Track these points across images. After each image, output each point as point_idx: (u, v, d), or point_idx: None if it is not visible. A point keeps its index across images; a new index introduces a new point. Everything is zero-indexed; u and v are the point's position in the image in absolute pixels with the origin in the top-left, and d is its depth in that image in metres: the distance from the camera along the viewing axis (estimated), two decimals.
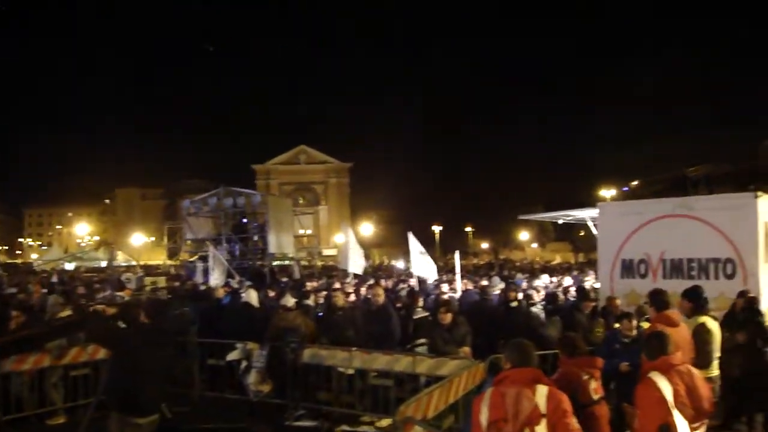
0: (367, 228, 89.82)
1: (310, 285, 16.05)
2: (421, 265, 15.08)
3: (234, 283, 17.59)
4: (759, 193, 9.39)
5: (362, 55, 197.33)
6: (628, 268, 10.28)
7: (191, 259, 30.81)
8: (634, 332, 7.65)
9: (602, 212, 11.11)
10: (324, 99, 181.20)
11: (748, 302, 8.48)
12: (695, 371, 4.81)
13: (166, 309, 8.14)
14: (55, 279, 19.31)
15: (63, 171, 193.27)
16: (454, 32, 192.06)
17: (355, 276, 17.81)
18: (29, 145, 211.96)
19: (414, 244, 15.30)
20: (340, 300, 10.54)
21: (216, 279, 18.55)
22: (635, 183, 78.89)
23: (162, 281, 7.82)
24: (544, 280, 16.07)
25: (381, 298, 10.27)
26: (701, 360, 6.97)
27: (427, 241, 78.17)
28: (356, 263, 17.22)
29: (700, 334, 7.00)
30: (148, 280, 8.05)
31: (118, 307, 8.21)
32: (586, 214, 14.26)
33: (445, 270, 30.13)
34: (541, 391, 4.13)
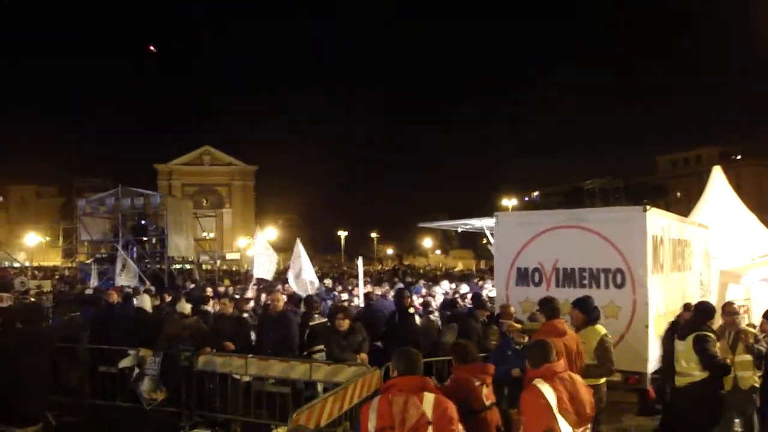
0: (272, 232, 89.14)
1: (210, 290, 15.73)
2: (307, 271, 15.04)
3: (134, 286, 17.16)
4: (648, 207, 9.81)
5: (270, 54, 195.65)
6: (523, 277, 10.51)
7: (87, 261, 29.79)
8: (526, 339, 7.84)
9: (499, 222, 11.32)
10: (229, 98, 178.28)
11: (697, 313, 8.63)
12: (577, 378, 4.99)
13: (43, 314, 7.83)
14: None
15: None
16: (364, 32, 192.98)
17: (259, 281, 17.50)
18: None
19: (301, 250, 15.26)
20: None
21: (126, 281, 18.01)
22: (536, 193, 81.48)
23: (47, 285, 7.43)
24: (443, 287, 16.25)
25: (280, 304, 10.21)
26: (604, 369, 7.26)
27: (332, 246, 78.06)
28: (265, 268, 16.89)
29: (604, 344, 7.30)
30: (32, 283, 7.65)
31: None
32: (484, 223, 14.57)
33: (348, 275, 30.23)
34: (428, 399, 4.21)
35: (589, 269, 9.97)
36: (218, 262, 42.91)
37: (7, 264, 58.90)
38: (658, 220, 10.12)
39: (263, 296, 14.37)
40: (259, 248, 16.89)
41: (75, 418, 9.22)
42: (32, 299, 6.30)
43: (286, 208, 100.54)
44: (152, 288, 17.27)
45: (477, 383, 5.54)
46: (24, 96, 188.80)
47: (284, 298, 10.81)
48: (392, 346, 8.26)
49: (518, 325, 8.19)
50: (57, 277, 33.08)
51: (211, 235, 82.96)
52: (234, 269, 52.56)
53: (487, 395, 5.61)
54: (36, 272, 42.77)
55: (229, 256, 74.98)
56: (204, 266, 34.79)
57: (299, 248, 15.25)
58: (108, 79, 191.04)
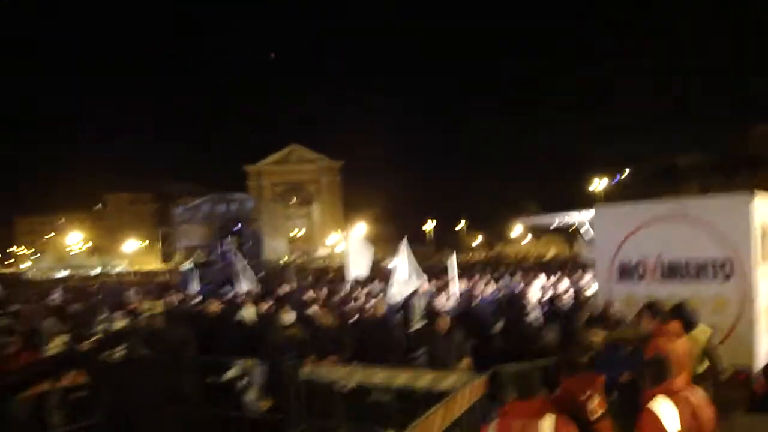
0: (362, 227, 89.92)
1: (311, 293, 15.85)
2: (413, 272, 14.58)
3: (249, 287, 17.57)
4: (756, 192, 9.38)
5: (353, 51, 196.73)
6: (626, 271, 10.23)
7: (185, 266, 30.82)
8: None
9: (598, 215, 11.04)
10: (314, 97, 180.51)
11: None
12: (699, 393, 4.78)
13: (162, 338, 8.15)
14: (56, 296, 19.11)
15: (53, 178, 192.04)
16: (444, 27, 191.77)
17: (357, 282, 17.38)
18: (17, 153, 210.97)
19: (405, 251, 14.75)
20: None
21: (247, 286, 18.63)
22: (626, 173, 79.13)
23: (159, 306, 7.76)
24: (538, 285, 15.64)
25: (382, 309, 10.27)
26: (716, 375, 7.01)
27: (420, 237, 77.91)
28: (360, 266, 16.68)
29: (713, 350, 7.07)
30: (145, 305, 8.00)
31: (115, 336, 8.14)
32: (583, 217, 14.20)
33: (438, 268, 30.09)
34: (548, 422, 4.12)
35: (695, 261, 9.62)
36: (311, 258, 43.58)
37: (109, 269, 61.70)
38: (766, 206, 9.64)
39: (361, 297, 14.28)
40: (352, 247, 16.83)
41: (185, 428, 9.50)
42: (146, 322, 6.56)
43: (372, 202, 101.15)
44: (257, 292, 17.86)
45: (586, 395, 5.42)
46: (114, 106, 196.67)
47: (384, 303, 10.81)
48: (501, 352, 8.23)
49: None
50: (155, 280, 34.28)
51: (302, 232, 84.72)
52: (326, 265, 53.30)
53: (598, 405, 5.48)
54: (136, 276, 44.52)
55: (320, 251, 76.17)
56: (296, 261, 35.44)
57: (405, 248, 14.71)
58: (192, 85, 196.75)
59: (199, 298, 16.80)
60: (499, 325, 11.02)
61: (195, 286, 20.86)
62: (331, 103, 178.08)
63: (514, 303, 10.99)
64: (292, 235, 36.05)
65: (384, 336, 9.72)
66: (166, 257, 53.89)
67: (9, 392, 5.88)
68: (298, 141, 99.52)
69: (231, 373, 9.95)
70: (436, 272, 24.39)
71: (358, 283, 17.96)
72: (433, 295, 13.82)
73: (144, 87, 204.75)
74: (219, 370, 10.22)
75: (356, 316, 11.31)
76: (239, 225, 27.29)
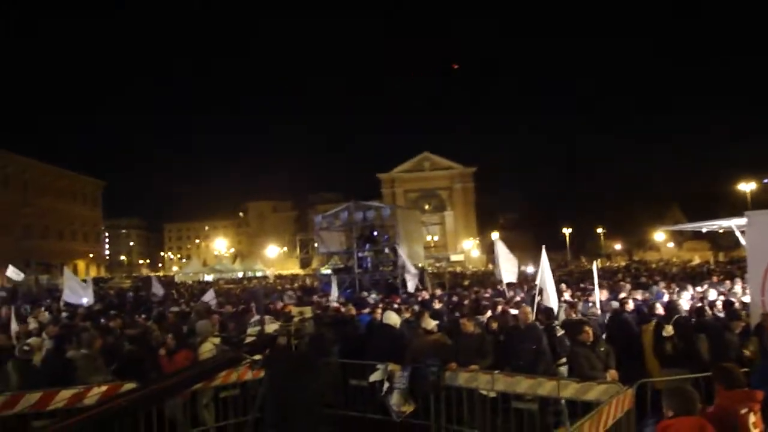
0: (495, 234, 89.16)
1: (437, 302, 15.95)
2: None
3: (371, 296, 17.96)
4: None
5: (481, 57, 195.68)
6: None
7: (323, 272, 31.74)
8: None
9: (751, 222, 10.53)
10: (444, 102, 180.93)
11: None
12: None
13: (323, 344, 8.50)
14: (208, 298, 20.16)
15: (199, 188, 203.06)
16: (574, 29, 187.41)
17: (508, 285, 17.24)
18: (166, 164, 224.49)
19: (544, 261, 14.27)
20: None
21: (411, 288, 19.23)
22: None
23: (308, 311, 8.04)
24: (687, 296, 14.89)
25: (530, 317, 10.22)
26: None
27: (557, 244, 76.28)
28: (509, 271, 16.61)
29: None
30: (295, 310, 8.29)
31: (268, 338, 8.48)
32: (733, 223, 13.50)
33: (576, 275, 29.41)
34: None
35: None
36: (444, 264, 43.66)
37: (250, 273, 64.19)
38: None
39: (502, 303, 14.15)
40: (501, 252, 16.67)
41: (330, 429, 9.80)
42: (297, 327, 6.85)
43: (506, 208, 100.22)
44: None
45: (743, 411, 5.23)
46: (254, 121, 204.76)
47: (530, 310, 10.69)
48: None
49: None
50: (297, 285, 35.38)
51: (435, 238, 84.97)
52: (459, 270, 53.20)
53: (755, 423, 5.28)
54: (278, 280, 46.08)
55: (453, 257, 76.16)
56: (429, 269, 35.60)
57: (545, 257, 14.28)
58: (330, 97, 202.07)
59: (339, 302, 17.33)
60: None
61: (334, 292, 21.46)
62: (465, 111, 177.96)
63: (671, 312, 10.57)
64: (427, 240, 36.32)
65: (530, 344, 9.63)
66: (305, 263, 55.45)
67: (166, 393, 6.28)
68: (430, 149, 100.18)
69: (374, 377, 10.20)
70: (574, 279, 23.82)
71: (499, 291, 17.90)
72: (574, 304, 13.57)
73: (288, 103, 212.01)
74: (363, 373, 10.52)
75: (498, 324, 11.24)
76: (376, 232, 27.79)
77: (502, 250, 16.61)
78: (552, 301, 12.77)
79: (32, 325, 13.44)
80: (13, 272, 29.43)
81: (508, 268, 16.23)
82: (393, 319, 11.20)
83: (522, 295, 16.74)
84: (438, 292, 20.34)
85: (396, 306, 14.57)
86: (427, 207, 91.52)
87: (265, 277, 50.00)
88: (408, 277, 22.45)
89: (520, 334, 10.08)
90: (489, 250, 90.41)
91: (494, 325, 11.08)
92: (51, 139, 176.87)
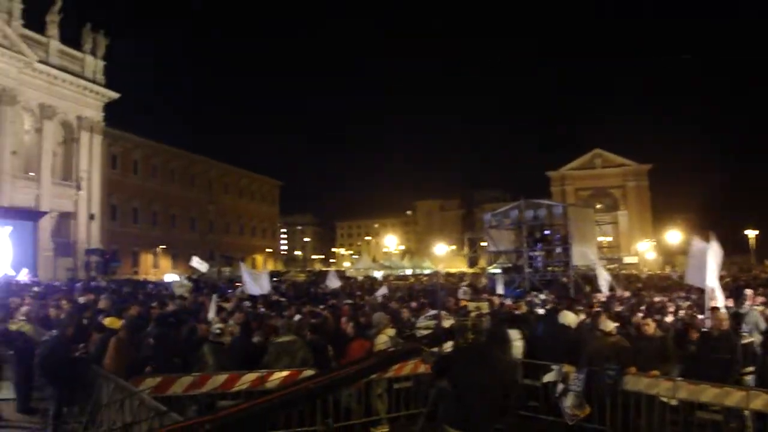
0: (674, 235, 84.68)
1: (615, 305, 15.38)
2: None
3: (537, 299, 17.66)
4: None
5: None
6: None
7: (491, 270, 31.50)
8: None
9: None
10: (615, 98, 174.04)
11: None
12: None
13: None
14: (382, 293, 20.72)
15: (370, 188, 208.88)
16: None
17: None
18: (338, 166, 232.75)
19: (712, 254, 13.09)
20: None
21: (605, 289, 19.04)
22: None
23: (485, 307, 8.02)
24: None
25: (725, 323, 9.62)
26: None
27: (740, 246, 71.38)
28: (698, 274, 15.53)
29: None
30: (471, 305, 8.29)
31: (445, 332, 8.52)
32: None
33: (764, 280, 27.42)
34: None
35: None
36: (617, 266, 42.06)
37: (418, 271, 64.87)
38: None
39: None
40: (695, 253, 15.67)
41: (501, 427, 9.68)
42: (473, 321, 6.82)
43: (683, 208, 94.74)
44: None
45: None
46: (423, 120, 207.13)
47: (725, 315, 10.01)
48: None
49: None
50: (467, 283, 35.38)
51: (608, 239, 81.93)
52: (633, 273, 51.09)
53: None
54: (448, 278, 46.31)
55: (627, 259, 73.13)
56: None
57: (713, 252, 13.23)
58: (490, 95, 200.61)
59: (507, 301, 17.11)
60: None
61: (500, 290, 21.29)
62: (637, 105, 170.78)
63: None
64: (599, 240, 35.14)
65: (723, 353, 9.03)
66: (472, 262, 55.37)
67: (347, 381, 6.45)
68: (601, 145, 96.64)
69: (548, 377, 10.01)
70: (759, 284, 22.31)
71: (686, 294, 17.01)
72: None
73: (451, 101, 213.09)
74: (536, 372, 10.35)
75: (687, 328, 10.65)
76: (547, 231, 27.29)
77: (696, 249, 15.05)
78: (720, 301, 11.95)
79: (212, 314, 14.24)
80: (197, 263, 31.33)
81: (696, 269, 15.03)
82: (569, 319, 10.95)
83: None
84: (623, 293, 19.77)
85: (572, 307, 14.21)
86: (599, 206, 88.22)
87: (437, 274, 50.33)
88: (601, 277, 21.70)
89: (712, 342, 9.48)
90: (666, 251, 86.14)
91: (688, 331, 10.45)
92: (233, 142, 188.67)
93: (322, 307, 15.83)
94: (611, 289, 21.21)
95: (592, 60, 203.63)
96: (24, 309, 12.91)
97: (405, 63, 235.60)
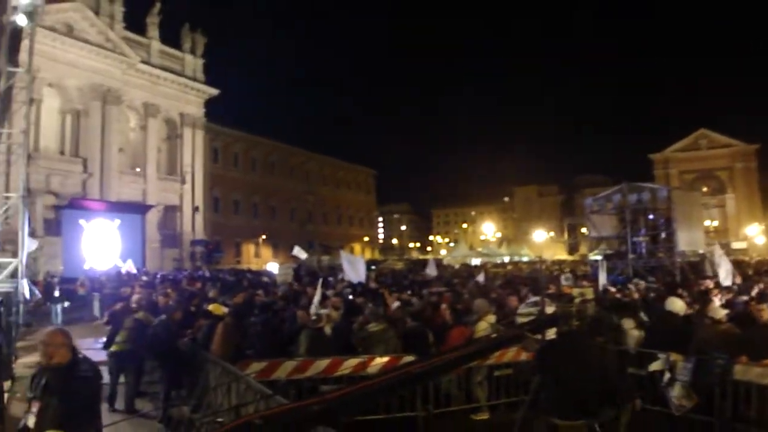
0: None
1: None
2: None
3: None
4: None
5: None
6: None
7: (593, 257, 30.85)
8: None
9: None
10: (718, 76, 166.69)
11: None
12: None
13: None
14: (482, 279, 20.75)
15: (466, 175, 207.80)
16: None
17: None
18: (433, 154, 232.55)
19: None
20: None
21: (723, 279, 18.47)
22: None
23: (589, 292, 7.91)
24: None
25: None
26: None
27: None
28: None
29: None
30: (575, 291, 8.16)
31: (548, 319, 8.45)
32: None
33: None
34: None
35: None
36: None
37: (516, 258, 64.17)
38: None
39: None
40: None
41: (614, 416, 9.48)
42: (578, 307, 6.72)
43: None
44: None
45: None
46: (519, 105, 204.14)
47: None
48: None
49: None
50: (568, 270, 34.73)
51: (715, 223, 78.75)
52: (744, 259, 48.98)
53: None
54: (542, 265, 45.68)
55: (735, 245, 70.08)
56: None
57: None
58: (586, 78, 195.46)
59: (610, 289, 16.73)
60: None
61: (602, 278, 20.81)
62: (745, 83, 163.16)
63: None
64: (706, 225, 33.78)
65: None
66: (572, 248, 54.33)
67: (448, 366, 6.46)
68: (707, 125, 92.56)
69: (654, 366, 9.74)
70: None
71: None
72: None
73: (548, 85, 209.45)
74: (641, 361, 10.09)
75: None
76: (651, 216, 26.47)
77: None
78: None
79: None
80: (298, 251, 32.24)
81: None
82: (677, 306, 10.57)
83: None
84: (738, 280, 19.01)
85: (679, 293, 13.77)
86: (705, 189, 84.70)
87: (542, 261, 49.63)
88: (721, 265, 20.46)
89: None
90: None
91: None
92: (329, 133, 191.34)
93: (424, 292, 15.92)
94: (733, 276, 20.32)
95: (693, 38, 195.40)
96: (135, 297, 13.51)
97: (503, 52, 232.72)
